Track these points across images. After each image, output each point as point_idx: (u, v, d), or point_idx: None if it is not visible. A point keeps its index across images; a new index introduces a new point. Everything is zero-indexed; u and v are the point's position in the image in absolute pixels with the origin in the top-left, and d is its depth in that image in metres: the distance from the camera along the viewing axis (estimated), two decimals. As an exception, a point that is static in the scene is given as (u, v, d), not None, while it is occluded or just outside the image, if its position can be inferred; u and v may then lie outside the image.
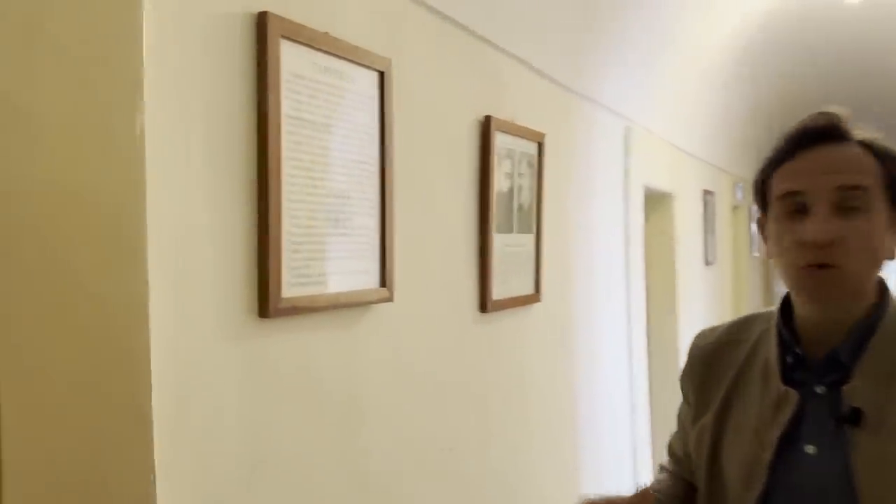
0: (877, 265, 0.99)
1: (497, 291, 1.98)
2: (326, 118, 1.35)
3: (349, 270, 1.40)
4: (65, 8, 0.91)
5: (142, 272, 0.99)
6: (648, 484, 1.17)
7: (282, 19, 1.23)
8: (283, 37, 1.24)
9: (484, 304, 1.92)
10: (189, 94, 1.10)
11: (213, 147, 1.13)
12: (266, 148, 1.20)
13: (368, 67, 1.46)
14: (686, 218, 4.30)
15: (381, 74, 1.49)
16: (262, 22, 1.21)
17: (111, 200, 0.96)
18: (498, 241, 1.99)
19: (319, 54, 1.33)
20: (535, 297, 2.24)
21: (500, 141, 1.99)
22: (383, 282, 1.49)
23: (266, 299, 1.20)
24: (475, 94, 1.90)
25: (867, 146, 0.99)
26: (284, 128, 1.24)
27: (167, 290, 1.05)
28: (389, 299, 1.50)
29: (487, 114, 1.93)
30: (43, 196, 0.89)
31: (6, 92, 0.85)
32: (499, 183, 1.99)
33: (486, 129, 1.93)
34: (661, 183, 3.74)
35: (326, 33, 1.34)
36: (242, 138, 1.19)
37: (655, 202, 3.90)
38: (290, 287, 1.25)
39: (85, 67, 0.93)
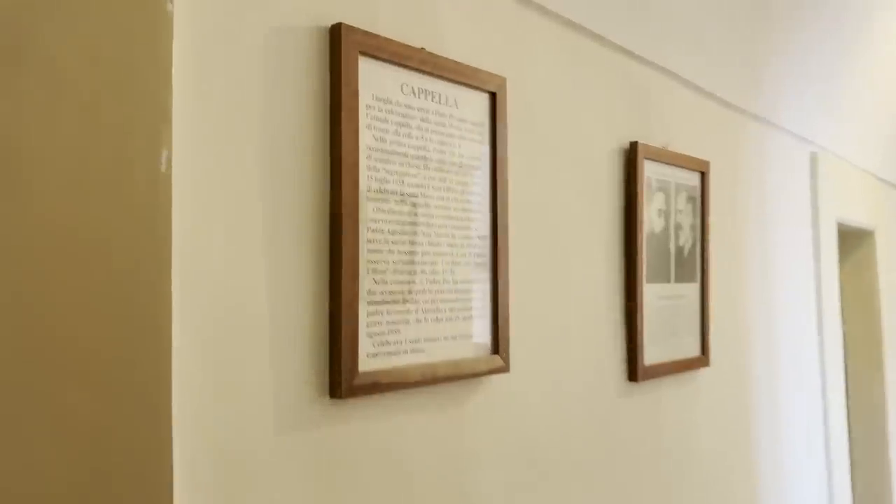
0: None
1: (651, 355, 1.62)
2: (420, 150, 1.10)
3: (450, 334, 1.13)
4: (63, 17, 0.73)
5: (164, 340, 0.78)
6: None
7: (362, 33, 1.01)
8: (364, 53, 1.02)
9: (633, 372, 1.57)
10: (241, 124, 0.90)
11: (271, 186, 0.92)
12: (339, 186, 0.97)
13: (477, 88, 1.20)
14: (891, 258, 3.62)
15: (493, 96, 1.23)
16: (335, 36, 0.99)
17: (126, 253, 0.76)
18: (650, 292, 1.64)
19: (412, 74, 1.09)
20: (701, 360, 1.84)
21: (650, 171, 1.65)
22: (496, 347, 1.20)
23: (338, 375, 0.96)
24: (617, 116, 1.59)
25: None
26: (364, 162, 1.01)
27: (205, 364, 0.83)
28: (505, 369, 1.21)
29: (633, 139, 1.61)
30: (35, 251, 0.70)
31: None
32: (649, 222, 1.65)
33: (631, 157, 1.61)
34: (858, 218, 3.15)
35: (422, 49, 1.11)
36: (309, 175, 0.97)
37: (852, 240, 3.30)
38: (371, 359, 1.00)
39: (91, 91, 0.75)
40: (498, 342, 1.21)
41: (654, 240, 1.68)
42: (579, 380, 1.44)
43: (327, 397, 0.97)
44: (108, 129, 0.76)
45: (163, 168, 0.79)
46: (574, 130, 1.46)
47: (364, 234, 1.01)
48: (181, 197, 0.82)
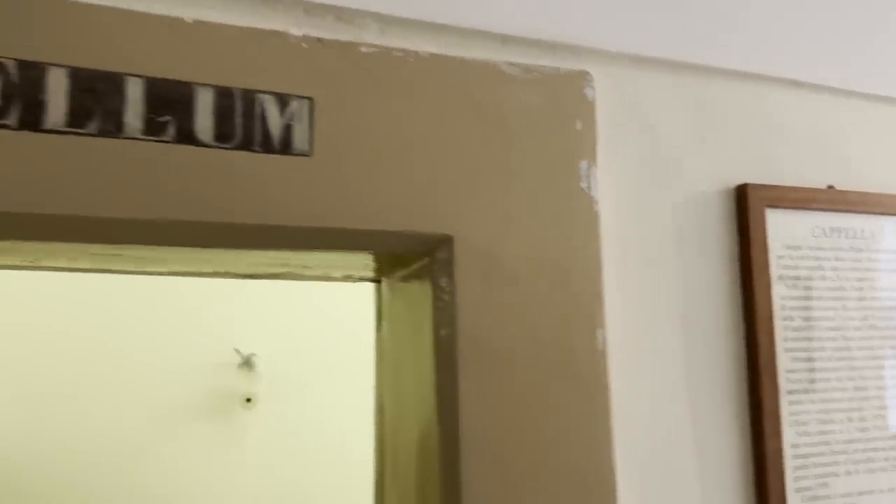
0: None
1: None
2: (836, 291, 1.07)
3: (888, 487, 1.06)
4: (519, 232, 0.91)
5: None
6: None
7: (765, 188, 1.04)
8: (770, 206, 1.05)
9: None
10: (660, 295, 0.99)
11: (691, 350, 0.99)
12: (756, 344, 1.00)
13: (892, 215, 1.14)
14: None
15: (914, 219, 1.15)
16: (741, 196, 1.04)
17: (573, 423, 0.89)
18: None
19: (820, 215, 1.09)
20: None
21: None
22: (946, 501, 1.08)
23: (768, 532, 0.97)
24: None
25: None
26: (778, 313, 1.03)
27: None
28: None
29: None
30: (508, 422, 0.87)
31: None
32: None
33: None
34: None
35: (830, 187, 1.10)
36: (724, 333, 1.01)
37: None
38: (801, 515, 0.99)
39: (539, 287, 0.91)
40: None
41: None
42: None
43: (758, 556, 0.98)
44: (554, 317, 0.91)
45: (599, 346, 0.91)
46: None
47: (783, 385, 1.01)
48: (615, 371, 0.93)
